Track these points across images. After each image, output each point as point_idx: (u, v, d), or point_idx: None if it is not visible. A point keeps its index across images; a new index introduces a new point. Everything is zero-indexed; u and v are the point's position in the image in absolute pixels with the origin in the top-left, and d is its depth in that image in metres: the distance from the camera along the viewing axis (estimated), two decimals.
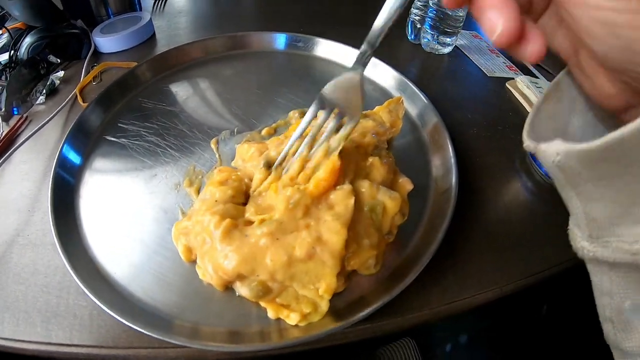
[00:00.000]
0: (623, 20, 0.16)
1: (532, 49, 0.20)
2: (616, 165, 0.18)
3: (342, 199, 0.34)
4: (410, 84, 0.53)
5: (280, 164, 0.38)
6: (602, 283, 0.22)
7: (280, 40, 0.63)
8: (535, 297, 0.76)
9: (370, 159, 0.39)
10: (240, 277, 0.32)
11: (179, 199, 0.42)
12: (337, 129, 0.36)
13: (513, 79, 0.62)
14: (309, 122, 0.37)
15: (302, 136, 0.38)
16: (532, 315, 0.78)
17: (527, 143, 0.22)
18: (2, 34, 0.69)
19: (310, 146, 0.37)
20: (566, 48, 0.22)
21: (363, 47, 0.33)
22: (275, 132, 0.49)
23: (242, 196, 0.38)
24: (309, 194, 0.34)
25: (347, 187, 0.35)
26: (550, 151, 0.20)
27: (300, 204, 0.33)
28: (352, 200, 0.34)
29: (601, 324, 0.24)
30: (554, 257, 0.40)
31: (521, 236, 0.42)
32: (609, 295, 0.22)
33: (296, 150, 0.38)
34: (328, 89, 0.36)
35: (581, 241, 0.22)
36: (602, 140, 0.17)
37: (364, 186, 0.37)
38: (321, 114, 0.37)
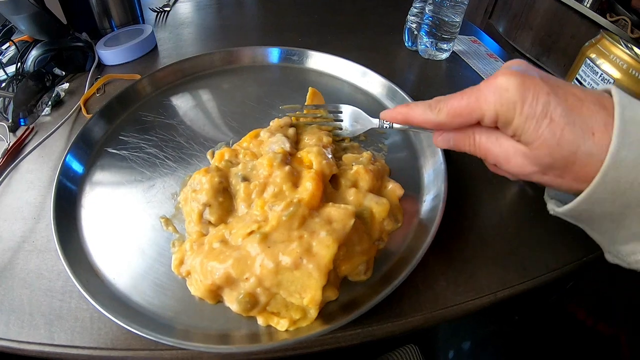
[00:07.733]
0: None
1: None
2: (579, 221, 0.31)
3: (342, 218, 0.34)
4: (399, 90, 0.54)
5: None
6: None
7: (274, 54, 0.64)
8: (536, 300, 0.76)
9: (355, 167, 0.41)
10: (229, 281, 0.33)
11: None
12: None
13: None
14: None
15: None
16: (538, 318, 0.78)
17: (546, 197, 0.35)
18: (9, 46, 0.71)
19: None
20: None
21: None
22: None
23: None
24: (305, 204, 0.35)
25: (351, 208, 0.35)
26: (550, 207, 0.34)
27: (297, 215, 0.34)
28: (351, 222, 0.34)
29: None
30: (553, 262, 0.40)
31: (517, 241, 0.42)
32: None
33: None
34: None
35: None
36: (563, 209, 0.31)
37: (351, 194, 0.38)
38: None
